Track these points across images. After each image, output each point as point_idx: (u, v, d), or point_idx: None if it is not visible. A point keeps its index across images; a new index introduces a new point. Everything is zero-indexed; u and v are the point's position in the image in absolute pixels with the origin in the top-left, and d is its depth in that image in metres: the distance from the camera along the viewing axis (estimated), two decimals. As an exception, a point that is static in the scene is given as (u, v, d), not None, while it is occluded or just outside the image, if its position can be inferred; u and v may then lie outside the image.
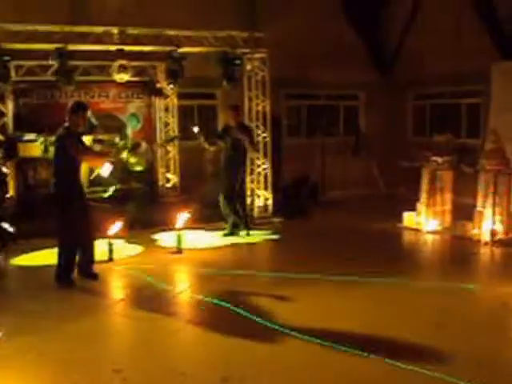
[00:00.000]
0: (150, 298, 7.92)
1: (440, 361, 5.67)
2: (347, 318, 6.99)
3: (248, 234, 11.77)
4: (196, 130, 11.81)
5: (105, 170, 9.22)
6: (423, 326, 6.68)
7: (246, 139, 11.51)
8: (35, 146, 12.45)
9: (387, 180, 16.64)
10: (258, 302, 7.62)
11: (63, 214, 8.60)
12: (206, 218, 12.44)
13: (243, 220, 11.81)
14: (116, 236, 10.17)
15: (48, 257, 9.62)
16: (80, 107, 8.80)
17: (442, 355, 5.82)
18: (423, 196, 11.98)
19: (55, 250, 8.79)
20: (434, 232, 11.67)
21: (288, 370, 5.51)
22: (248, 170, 13.29)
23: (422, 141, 15.44)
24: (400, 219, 12.30)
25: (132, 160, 13.91)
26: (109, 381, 5.34)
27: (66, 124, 8.61)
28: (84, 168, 12.14)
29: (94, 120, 13.32)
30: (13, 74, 12.04)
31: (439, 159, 11.85)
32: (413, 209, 12.14)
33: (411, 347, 6.07)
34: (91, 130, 13.27)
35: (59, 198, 8.64)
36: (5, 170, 12.10)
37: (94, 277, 8.84)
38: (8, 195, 12.28)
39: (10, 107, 12.65)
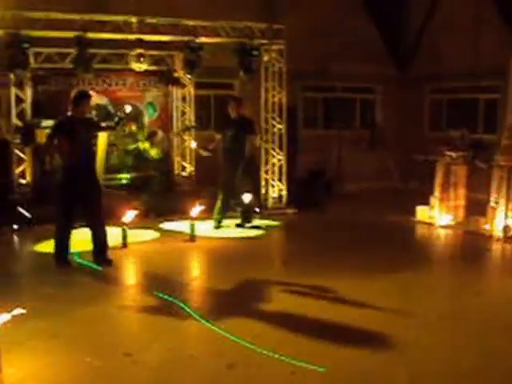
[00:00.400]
0: (161, 284, 8.02)
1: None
2: (351, 309, 7.06)
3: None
4: (194, 145, 11.87)
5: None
6: (422, 322, 6.73)
7: (255, 138, 11.48)
8: (52, 132, 12.57)
9: (402, 174, 16.66)
10: (265, 291, 7.71)
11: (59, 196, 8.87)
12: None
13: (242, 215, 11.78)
14: (130, 223, 10.28)
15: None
16: (83, 96, 9.00)
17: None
18: (437, 190, 11.98)
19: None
20: (446, 227, 11.68)
21: (296, 357, 5.57)
22: (263, 161, 13.44)
23: (439, 136, 15.43)
24: (413, 213, 12.33)
25: (148, 148, 14.02)
26: (119, 363, 5.45)
27: (69, 113, 8.83)
28: (100, 154, 12.30)
29: (110, 108, 13.45)
30: (32, 60, 12.20)
31: (453, 154, 11.85)
32: (426, 203, 12.16)
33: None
34: (107, 117, 13.38)
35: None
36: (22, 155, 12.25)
37: (108, 263, 8.96)
38: (24, 181, 12.45)
39: (28, 94, 12.78)
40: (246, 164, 11.43)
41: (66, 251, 8.93)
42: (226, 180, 11.44)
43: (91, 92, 13.18)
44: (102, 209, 9.06)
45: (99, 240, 8.99)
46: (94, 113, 13.28)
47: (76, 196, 8.77)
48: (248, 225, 11.68)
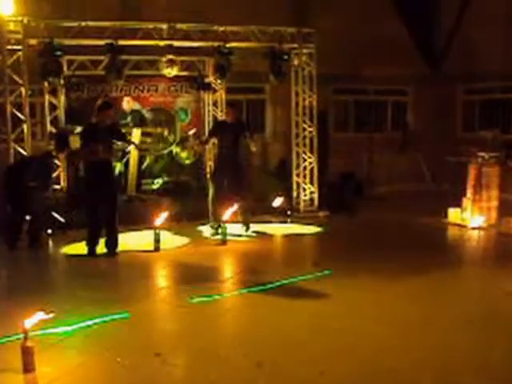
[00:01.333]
0: (192, 286, 8.11)
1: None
2: (376, 310, 7.07)
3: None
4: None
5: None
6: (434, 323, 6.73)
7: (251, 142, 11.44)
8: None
9: (434, 176, 16.60)
10: (296, 292, 7.76)
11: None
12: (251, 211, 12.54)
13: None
14: (163, 227, 10.44)
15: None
16: (104, 107, 10.07)
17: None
18: (469, 192, 11.90)
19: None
20: (478, 228, 11.59)
21: (324, 356, 5.62)
22: (294, 164, 13.52)
23: (471, 136, 15.35)
24: (445, 215, 12.27)
25: (180, 153, 14.15)
26: (149, 363, 5.53)
27: (94, 120, 10.05)
28: (133, 158, 12.45)
29: (145, 112, 13.65)
30: (65, 68, 12.40)
31: (485, 155, 11.77)
32: (459, 205, 12.09)
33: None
34: (141, 122, 13.58)
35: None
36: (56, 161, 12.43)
37: (114, 255, 9.94)
38: (59, 186, 12.65)
39: (62, 101, 13.00)
40: (242, 168, 11.53)
41: (94, 244, 9.87)
42: (218, 184, 11.35)
43: (127, 98, 13.52)
44: (116, 209, 9.96)
45: (112, 236, 9.94)
46: (129, 118, 13.50)
47: (99, 195, 9.77)
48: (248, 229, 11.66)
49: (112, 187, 10.05)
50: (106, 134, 9.76)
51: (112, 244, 9.93)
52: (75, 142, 12.46)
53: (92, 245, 9.87)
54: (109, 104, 10.40)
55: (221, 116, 14.52)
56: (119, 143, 10.76)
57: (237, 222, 11.45)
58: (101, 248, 9.94)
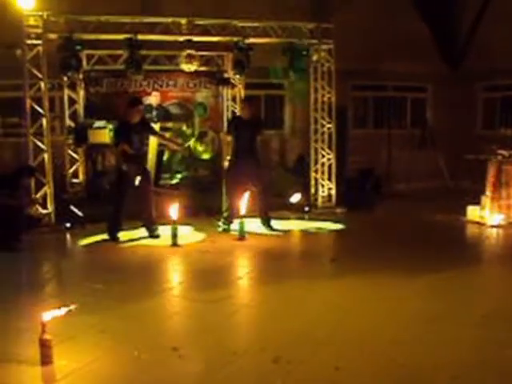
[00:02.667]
0: (210, 281, 8.12)
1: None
2: (390, 307, 7.03)
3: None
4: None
5: None
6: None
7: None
8: (104, 132, 12.69)
9: (453, 173, 16.50)
10: (312, 288, 7.74)
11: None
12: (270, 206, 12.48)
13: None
14: (181, 222, 10.47)
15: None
16: (131, 105, 10.55)
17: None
18: (488, 190, 11.81)
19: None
20: (497, 226, 11.50)
21: (339, 351, 5.60)
22: (312, 160, 13.51)
23: (491, 134, 15.24)
24: (464, 213, 12.20)
25: (199, 148, 14.16)
26: (166, 357, 5.53)
27: (126, 118, 10.42)
28: (152, 152, 12.48)
29: (168, 104, 13.69)
30: (84, 62, 12.47)
31: (505, 152, 11.68)
32: (477, 202, 12.00)
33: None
34: (166, 117, 13.59)
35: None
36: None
37: (157, 237, 10.72)
38: (77, 180, 12.73)
39: (81, 95, 13.05)
40: (259, 164, 11.39)
41: (117, 229, 10.52)
42: (234, 180, 11.30)
43: (156, 93, 13.59)
44: (151, 195, 10.74)
45: (149, 219, 10.69)
46: (154, 113, 13.53)
47: (129, 186, 10.37)
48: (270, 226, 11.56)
49: (147, 174, 10.82)
50: (139, 129, 10.44)
51: (153, 228, 10.70)
52: (94, 136, 12.58)
53: (114, 231, 10.51)
54: (138, 100, 11.06)
55: (239, 112, 14.54)
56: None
57: (253, 217, 11.41)
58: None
